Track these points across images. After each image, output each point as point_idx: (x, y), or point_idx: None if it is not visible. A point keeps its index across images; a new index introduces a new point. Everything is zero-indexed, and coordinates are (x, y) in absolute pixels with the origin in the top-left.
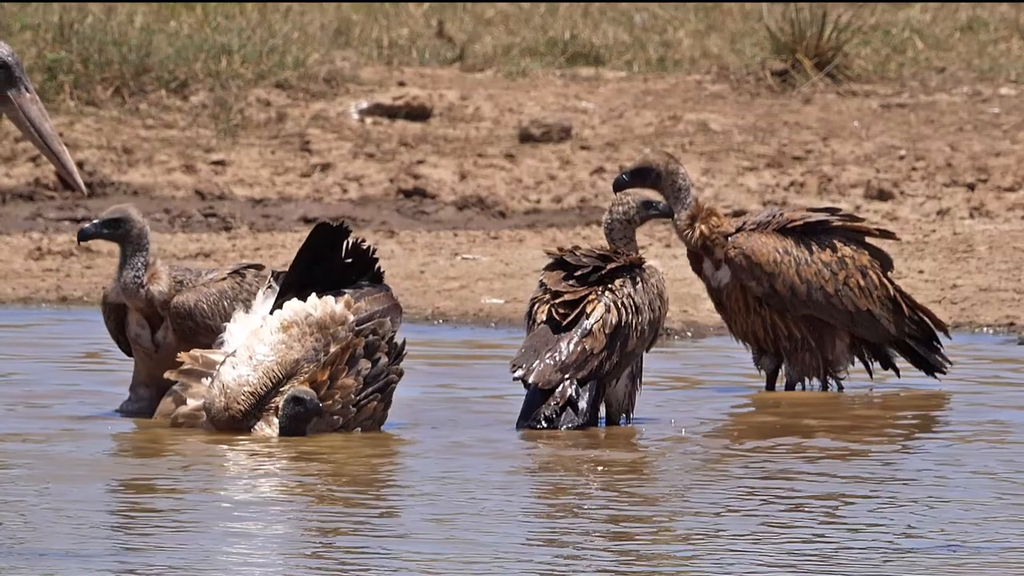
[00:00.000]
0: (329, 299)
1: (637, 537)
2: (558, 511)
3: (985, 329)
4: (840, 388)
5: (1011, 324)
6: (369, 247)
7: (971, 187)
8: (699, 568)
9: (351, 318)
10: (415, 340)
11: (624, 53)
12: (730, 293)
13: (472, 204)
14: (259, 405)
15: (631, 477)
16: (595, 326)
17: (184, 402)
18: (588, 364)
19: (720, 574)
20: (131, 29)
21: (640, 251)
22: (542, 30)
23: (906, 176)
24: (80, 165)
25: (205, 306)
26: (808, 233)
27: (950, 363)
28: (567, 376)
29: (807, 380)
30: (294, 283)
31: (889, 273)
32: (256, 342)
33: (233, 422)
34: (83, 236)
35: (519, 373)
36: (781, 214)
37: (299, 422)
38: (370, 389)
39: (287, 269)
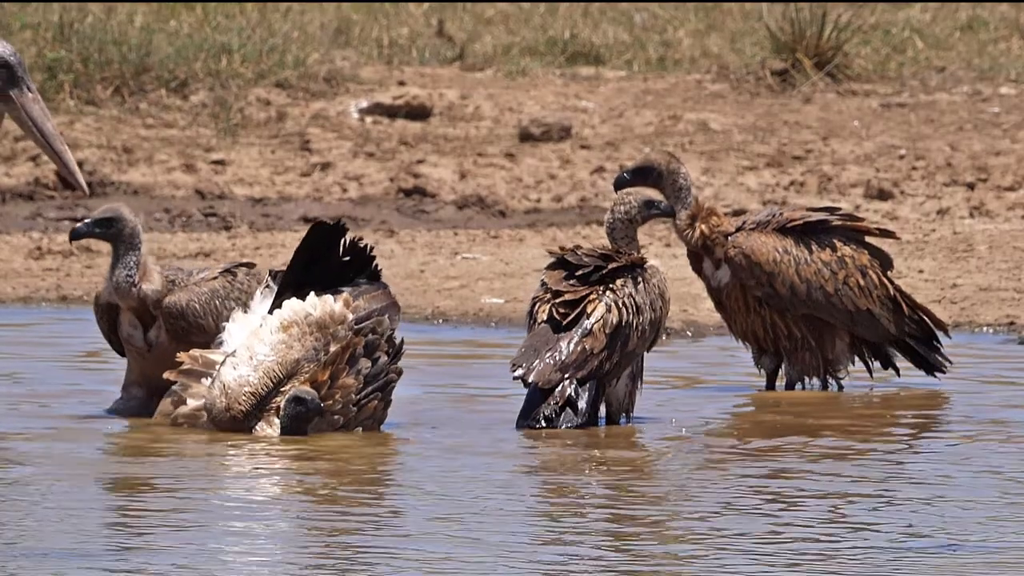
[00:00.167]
0: (328, 298)
1: (638, 536)
2: (559, 510)
3: (985, 328)
4: (840, 387)
5: (1011, 323)
6: (366, 245)
7: (971, 186)
8: (700, 567)
9: (350, 317)
10: (415, 340)
11: (624, 53)
12: (730, 292)
13: (472, 203)
14: (260, 405)
15: (632, 476)
16: (595, 326)
17: (184, 402)
18: (588, 364)
19: (721, 573)
20: (131, 28)
21: (641, 250)
22: (542, 29)
23: (906, 175)
24: (80, 164)
25: (197, 305)
26: (808, 232)
27: (950, 362)
28: (567, 376)
29: (807, 379)
30: (292, 282)
31: (889, 272)
32: (256, 342)
33: (234, 422)
34: (75, 235)
35: (519, 372)
36: (781, 213)
37: (301, 422)
38: (370, 388)
39: (285, 268)
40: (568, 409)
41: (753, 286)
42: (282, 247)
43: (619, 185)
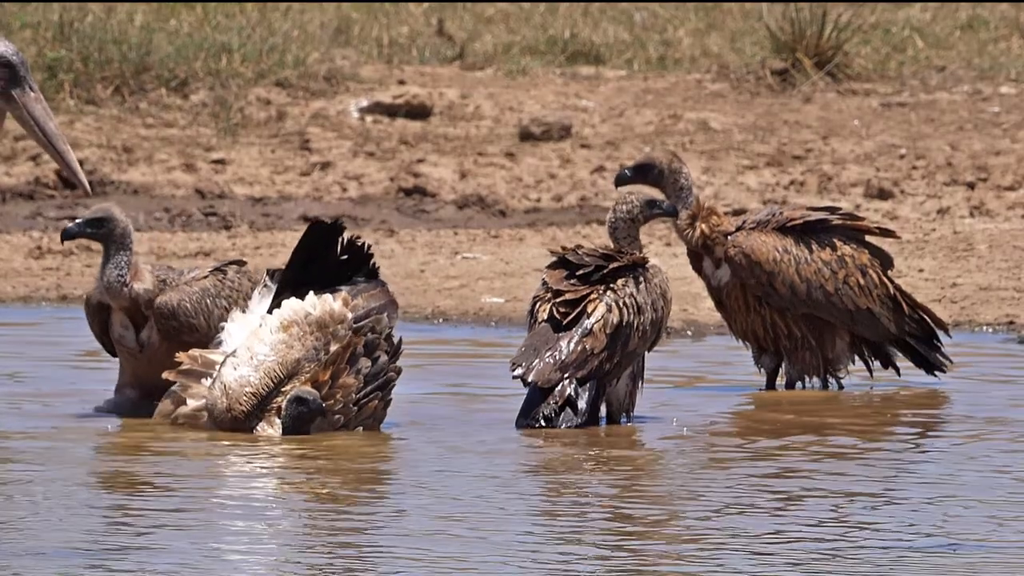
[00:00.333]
0: (328, 297)
1: (640, 535)
2: (560, 509)
3: (985, 328)
4: (840, 387)
5: (1011, 323)
6: (364, 243)
7: (971, 186)
8: (701, 567)
9: (349, 316)
10: (416, 339)
11: (624, 52)
12: (730, 292)
13: (472, 203)
14: (261, 405)
15: (633, 476)
16: (596, 326)
17: (184, 402)
18: (588, 363)
19: (722, 573)
20: (131, 28)
21: (643, 250)
22: (542, 29)
23: (906, 175)
24: (80, 164)
25: (188, 305)
26: (808, 232)
27: (950, 361)
28: (567, 375)
29: (807, 379)
30: (290, 282)
31: (889, 272)
32: (256, 342)
33: (236, 423)
34: (66, 235)
35: (519, 372)
36: (781, 213)
37: (302, 422)
38: (370, 387)
39: (282, 268)
40: (568, 409)
41: (753, 285)
42: (282, 246)
43: (620, 182)
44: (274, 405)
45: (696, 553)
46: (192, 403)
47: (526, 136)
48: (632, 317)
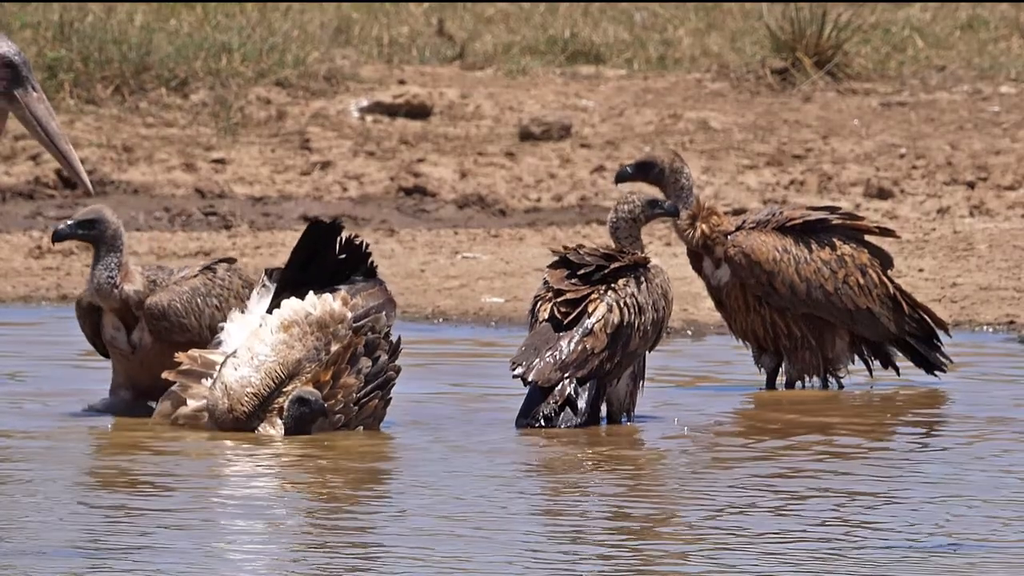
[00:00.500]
0: (327, 297)
1: (641, 535)
2: (562, 508)
3: (985, 328)
4: (840, 386)
5: (1011, 322)
6: (362, 242)
7: (971, 185)
8: (702, 566)
9: (349, 315)
10: (416, 339)
11: (624, 51)
12: (730, 292)
13: (472, 202)
14: (263, 406)
15: (634, 475)
16: (596, 325)
17: (184, 403)
18: (588, 363)
19: (723, 572)
20: (131, 27)
21: (644, 249)
22: (542, 28)
23: (906, 174)
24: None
25: (179, 305)
26: (808, 231)
27: (950, 361)
28: (567, 375)
29: (807, 378)
30: (289, 282)
31: (889, 271)
32: (257, 342)
33: (237, 423)
34: (57, 237)
35: (519, 371)
36: (781, 212)
37: (304, 423)
38: (371, 387)
39: (281, 267)
40: (567, 408)
41: (753, 285)
42: (282, 246)
43: (620, 179)
44: (276, 406)
45: (697, 553)
46: (192, 404)
47: (526, 136)
48: (633, 317)
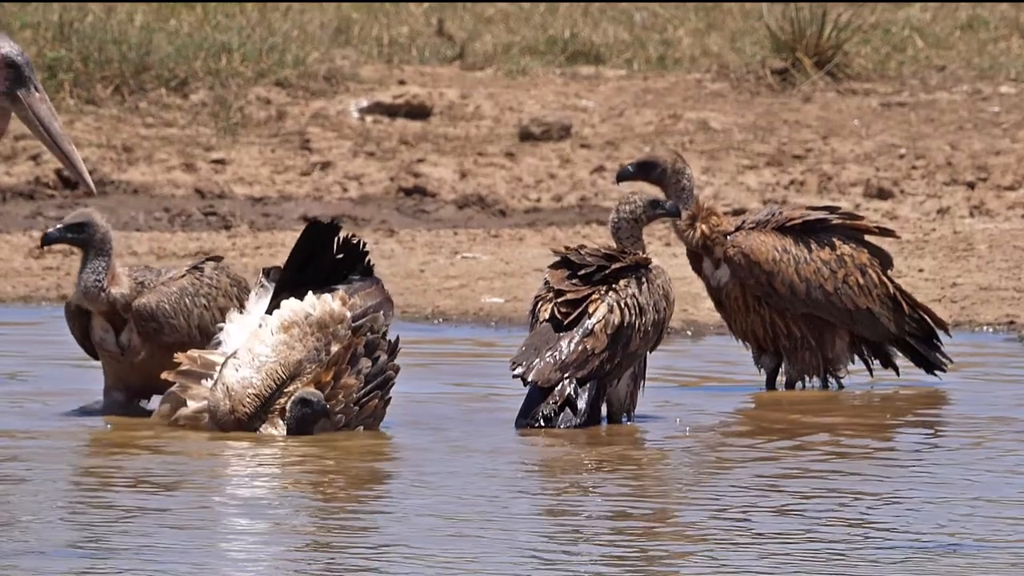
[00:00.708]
0: (327, 297)
1: (641, 534)
2: (563, 508)
3: (985, 328)
4: (840, 386)
5: (1011, 322)
6: (359, 241)
7: (971, 186)
8: (703, 566)
9: (348, 315)
10: (416, 339)
11: (624, 52)
12: (729, 292)
13: (472, 203)
14: (264, 407)
15: (636, 475)
16: (597, 326)
17: (183, 404)
18: (588, 364)
19: (724, 572)
20: (131, 28)
21: (646, 250)
22: (542, 29)
23: (906, 175)
24: None
25: (167, 306)
26: (807, 231)
27: (951, 361)
28: (567, 375)
29: (807, 379)
30: (288, 282)
31: (889, 271)
32: (257, 343)
33: (238, 424)
34: (47, 241)
35: (519, 371)
36: (780, 212)
37: (306, 424)
38: (371, 387)
39: (278, 267)
40: (567, 409)
41: (753, 285)
42: (282, 246)
43: (621, 177)
44: (277, 406)
45: (699, 553)
46: (193, 404)
47: (526, 136)
48: (633, 318)
